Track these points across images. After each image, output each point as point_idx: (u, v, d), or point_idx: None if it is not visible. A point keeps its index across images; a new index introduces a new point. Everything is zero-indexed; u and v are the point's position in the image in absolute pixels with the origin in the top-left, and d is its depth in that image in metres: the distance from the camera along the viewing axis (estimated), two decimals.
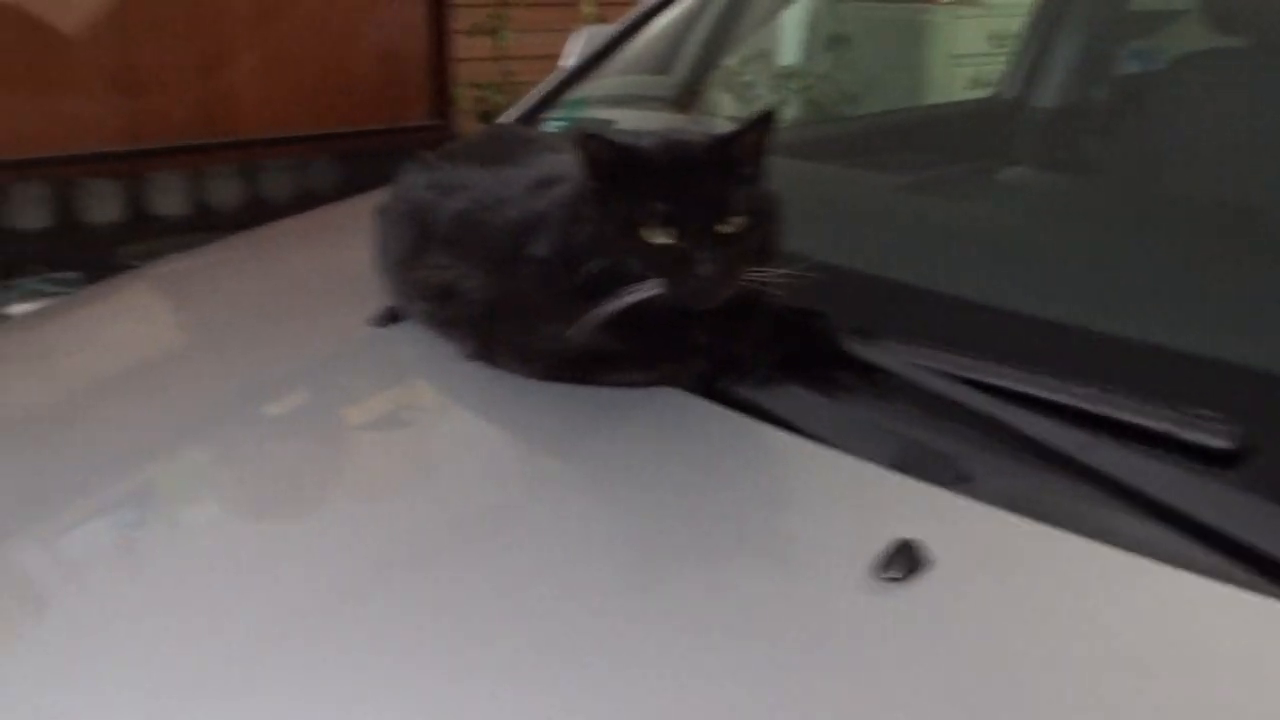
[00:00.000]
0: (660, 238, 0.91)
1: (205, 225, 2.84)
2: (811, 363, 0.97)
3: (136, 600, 0.81)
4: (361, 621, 0.75)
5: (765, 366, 0.97)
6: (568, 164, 1.08)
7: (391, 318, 1.17)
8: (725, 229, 0.91)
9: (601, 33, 1.97)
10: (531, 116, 1.74)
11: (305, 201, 2.80)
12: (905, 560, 0.73)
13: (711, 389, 0.97)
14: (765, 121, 0.94)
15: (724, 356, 0.97)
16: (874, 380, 0.94)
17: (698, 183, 0.92)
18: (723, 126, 0.97)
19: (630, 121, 1.67)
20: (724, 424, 0.93)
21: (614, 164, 0.94)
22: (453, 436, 1.05)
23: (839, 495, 0.85)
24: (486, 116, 3.31)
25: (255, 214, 2.77)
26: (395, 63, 2.81)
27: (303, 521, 0.92)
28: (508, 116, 1.81)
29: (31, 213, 2.77)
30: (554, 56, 2.06)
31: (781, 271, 0.92)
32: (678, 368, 0.97)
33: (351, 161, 2.95)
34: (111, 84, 2.50)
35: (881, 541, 0.75)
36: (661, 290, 0.91)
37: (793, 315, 0.98)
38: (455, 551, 0.83)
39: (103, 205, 2.83)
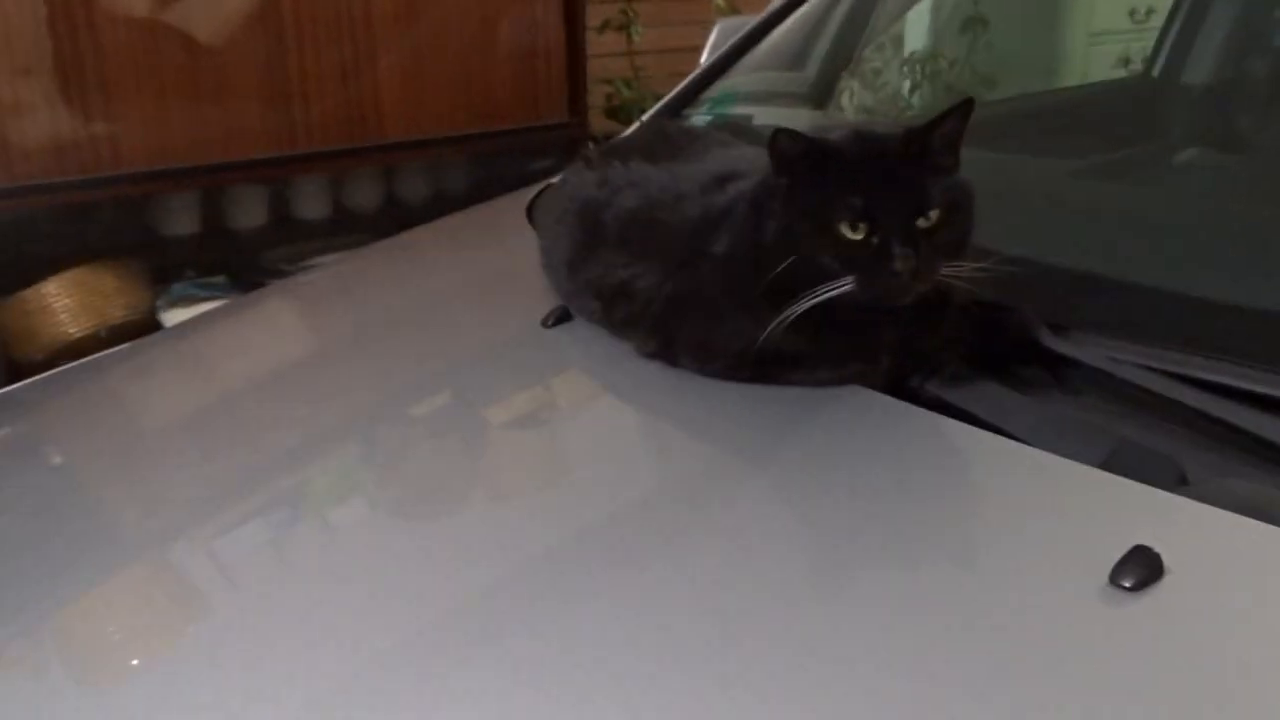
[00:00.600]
0: (855, 233, 0.90)
1: (346, 229, 2.90)
2: (1006, 359, 0.94)
3: (298, 599, 0.82)
4: (551, 620, 0.74)
5: (957, 363, 0.94)
6: (744, 158, 1.07)
7: (562, 317, 1.17)
8: (922, 223, 0.89)
9: (736, 26, 1.95)
10: (674, 112, 1.73)
11: (441, 203, 2.85)
12: (1139, 567, 0.70)
13: (902, 387, 0.95)
14: (963, 110, 0.92)
15: (915, 354, 0.95)
16: (1071, 376, 0.91)
17: (894, 176, 0.91)
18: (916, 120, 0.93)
19: (772, 118, 1.65)
20: (917, 423, 0.91)
21: (805, 158, 0.93)
22: (636, 434, 1.05)
23: (1040, 496, 0.82)
24: (615, 112, 3.31)
25: (394, 216, 2.83)
26: (530, 61, 2.83)
27: (486, 521, 0.93)
28: (650, 113, 1.80)
29: (181, 219, 2.86)
30: (681, 50, 2.05)
31: (977, 265, 0.90)
32: (867, 367, 0.96)
33: (486, 161, 2.98)
34: (259, 93, 2.57)
35: (1089, 543, 0.72)
36: (854, 287, 0.89)
37: (985, 310, 0.96)
38: (641, 552, 0.82)
39: (248, 211, 2.91)
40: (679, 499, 0.90)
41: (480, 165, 3.01)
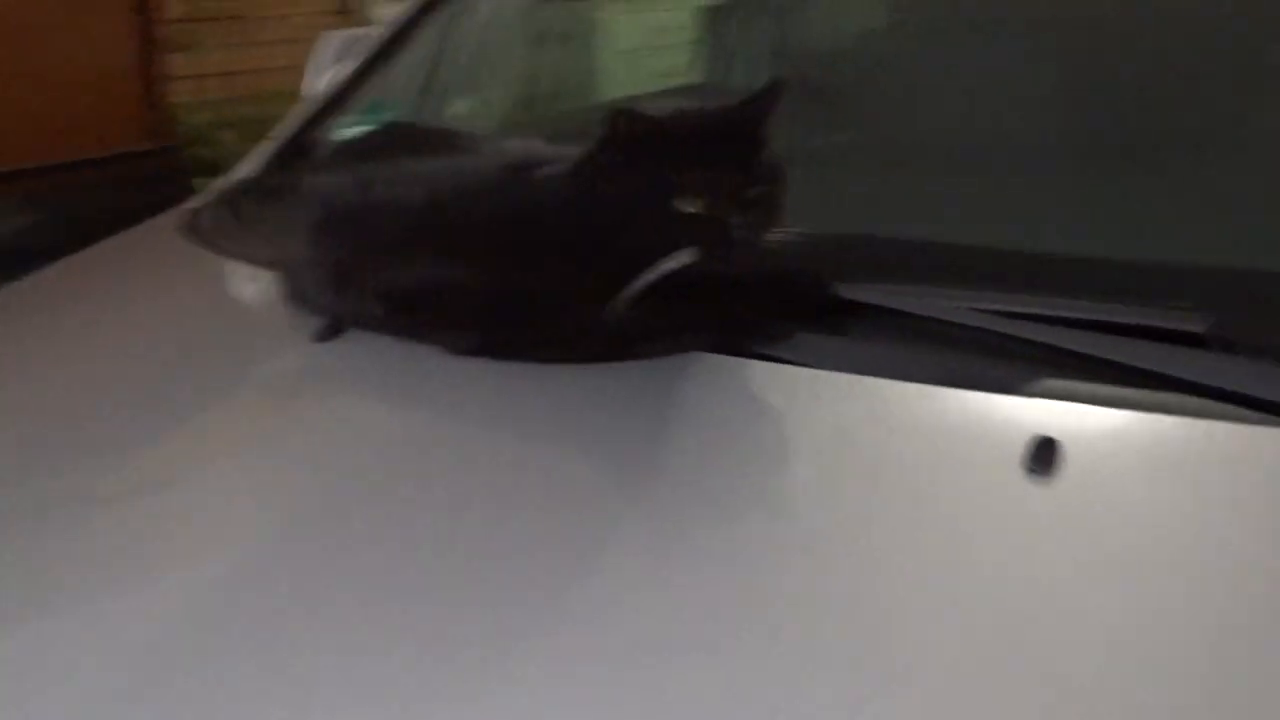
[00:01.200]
0: (692, 206, 0.95)
1: None
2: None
3: None
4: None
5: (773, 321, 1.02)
6: (535, 149, 1.08)
7: (334, 330, 1.11)
8: (752, 193, 0.96)
9: (344, 38, 1.92)
10: (306, 132, 1.68)
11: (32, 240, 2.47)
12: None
13: (730, 347, 1.01)
14: (778, 88, 0.99)
15: (739, 315, 1.02)
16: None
17: (724, 150, 0.97)
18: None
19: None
20: (765, 374, 0.98)
21: (642, 137, 0.97)
22: (480, 432, 1.01)
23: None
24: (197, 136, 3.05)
25: None
26: (104, 85, 2.54)
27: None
28: (277, 134, 1.72)
29: None
30: (265, 70, 1.97)
31: (793, 230, 0.99)
32: (711, 332, 1.01)
33: (68, 194, 2.63)
34: None
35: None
36: (696, 258, 0.95)
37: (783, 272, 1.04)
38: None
39: None
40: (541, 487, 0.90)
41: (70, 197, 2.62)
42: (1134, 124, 1.39)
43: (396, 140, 1.20)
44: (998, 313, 0.98)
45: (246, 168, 1.65)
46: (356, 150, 1.19)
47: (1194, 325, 0.93)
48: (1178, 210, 1.18)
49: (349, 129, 1.61)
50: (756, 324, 1.01)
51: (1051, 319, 0.96)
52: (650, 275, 0.96)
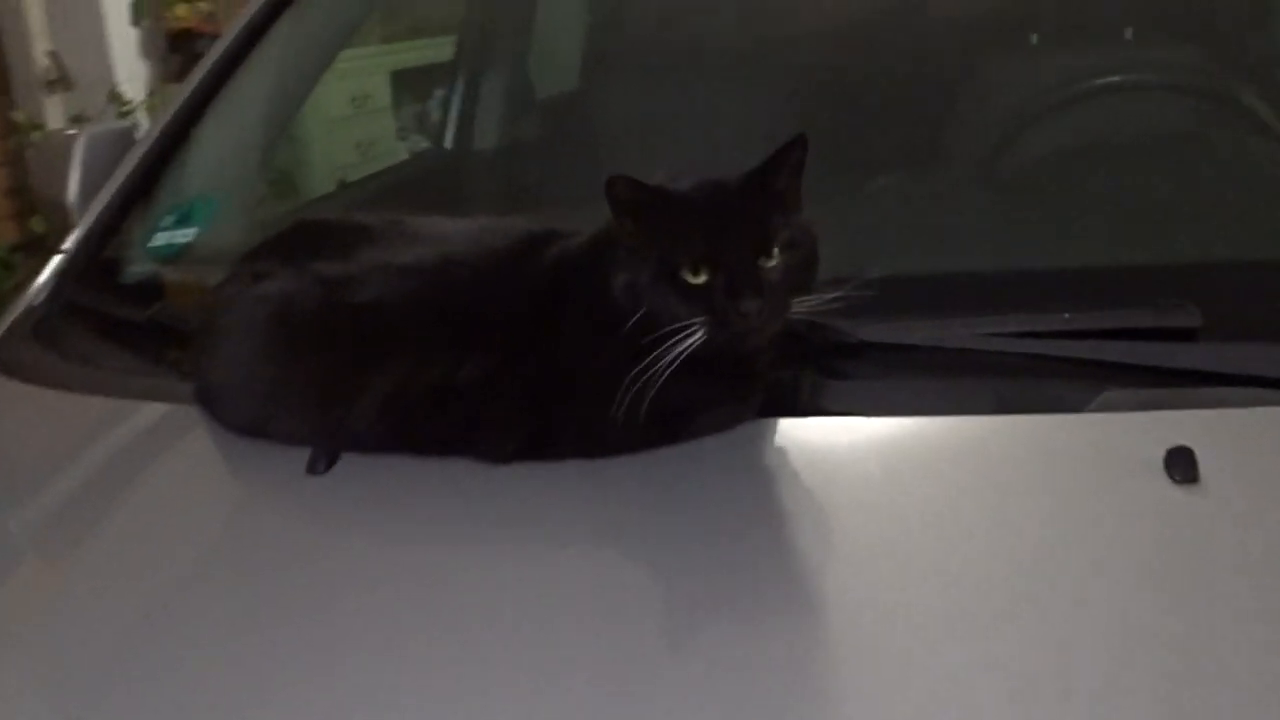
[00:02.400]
0: (697, 277, 0.89)
1: None
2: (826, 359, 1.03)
3: None
4: None
5: (811, 375, 1.02)
6: (515, 230, 1.01)
7: (330, 459, 0.98)
8: (765, 263, 0.89)
9: (112, 133, 1.72)
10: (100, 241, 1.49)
11: None
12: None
13: (777, 407, 0.99)
14: (798, 147, 0.92)
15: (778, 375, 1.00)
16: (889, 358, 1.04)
17: (734, 217, 0.90)
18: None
19: None
20: (830, 430, 0.97)
21: (643, 205, 0.91)
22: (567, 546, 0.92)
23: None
24: None
25: None
26: None
27: None
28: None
29: None
30: None
31: (829, 297, 0.93)
32: (750, 403, 0.98)
33: None
34: None
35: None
36: (705, 333, 0.88)
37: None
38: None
39: None
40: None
41: None
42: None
43: (323, 237, 1.07)
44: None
45: (42, 290, 1.43)
46: (284, 253, 1.05)
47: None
48: None
49: (175, 233, 1.44)
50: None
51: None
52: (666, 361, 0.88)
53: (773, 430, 0.97)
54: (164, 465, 1.07)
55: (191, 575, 0.89)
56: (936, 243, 1.23)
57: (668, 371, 0.88)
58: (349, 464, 0.98)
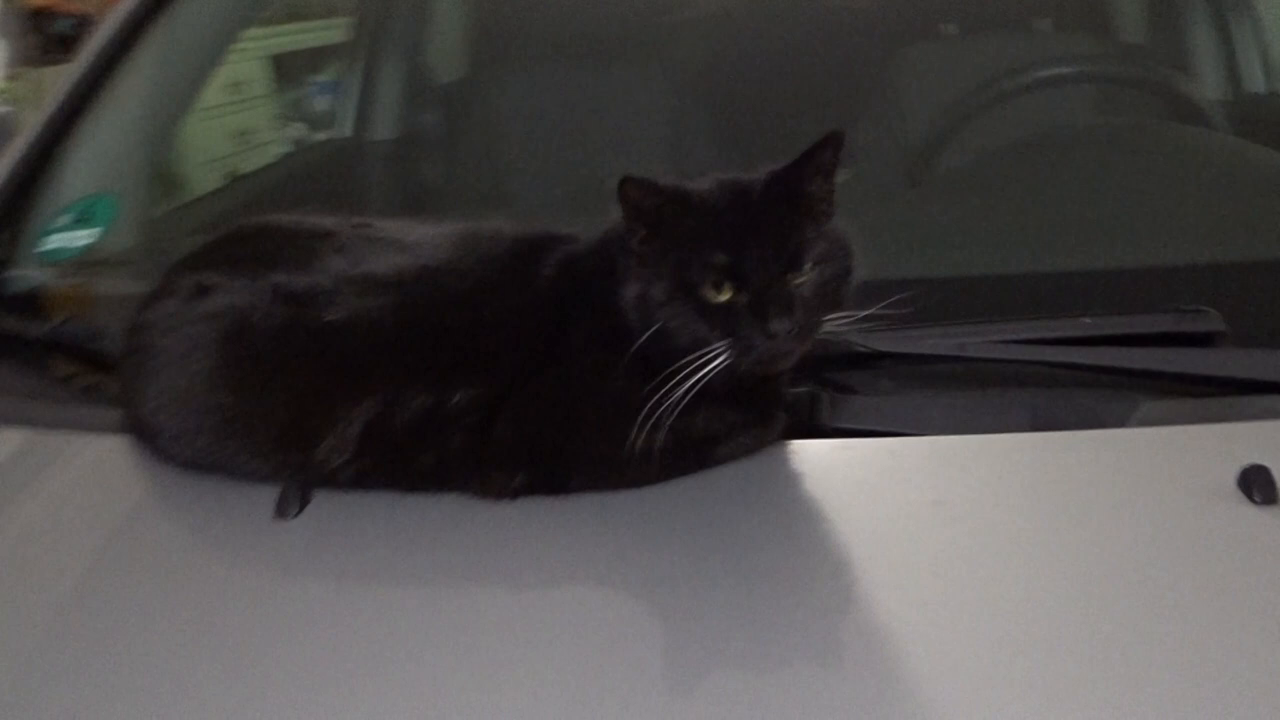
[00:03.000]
0: (721, 295, 0.80)
1: None
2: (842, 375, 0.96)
3: None
4: None
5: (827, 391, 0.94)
6: (506, 235, 0.91)
7: (302, 500, 0.86)
8: (798, 277, 0.81)
9: None
10: None
11: None
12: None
13: (799, 429, 0.91)
14: (832, 145, 0.82)
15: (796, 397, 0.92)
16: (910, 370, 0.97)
17: (760, 227, 0.80)
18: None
19: None
20: (862, 450, 0.89)
21: (659, 211, 0.81)
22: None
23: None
24: None
25: None
26: None
27: None
28: None
29: None
30: None
31: (864, 313, 0.85)
32: (774, 426, 0.89)
33: None
34: None
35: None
36: (728, 356, 0.79)
37: None
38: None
39: None
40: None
41: None
42: None
43: (273, 243, 0.94)
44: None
45: None
46: (229, 262, 0.92)
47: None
48: None
49: (71, 235, 1.28)
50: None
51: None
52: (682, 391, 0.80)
53: (796, 453, 0.89)
54: (94, 509, 0.92)
55: (146, 646, 0.75)
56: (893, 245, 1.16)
57: (688, 398, 0.79)
58: (324, 504, 0.86)
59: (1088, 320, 0.98)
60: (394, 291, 0.87)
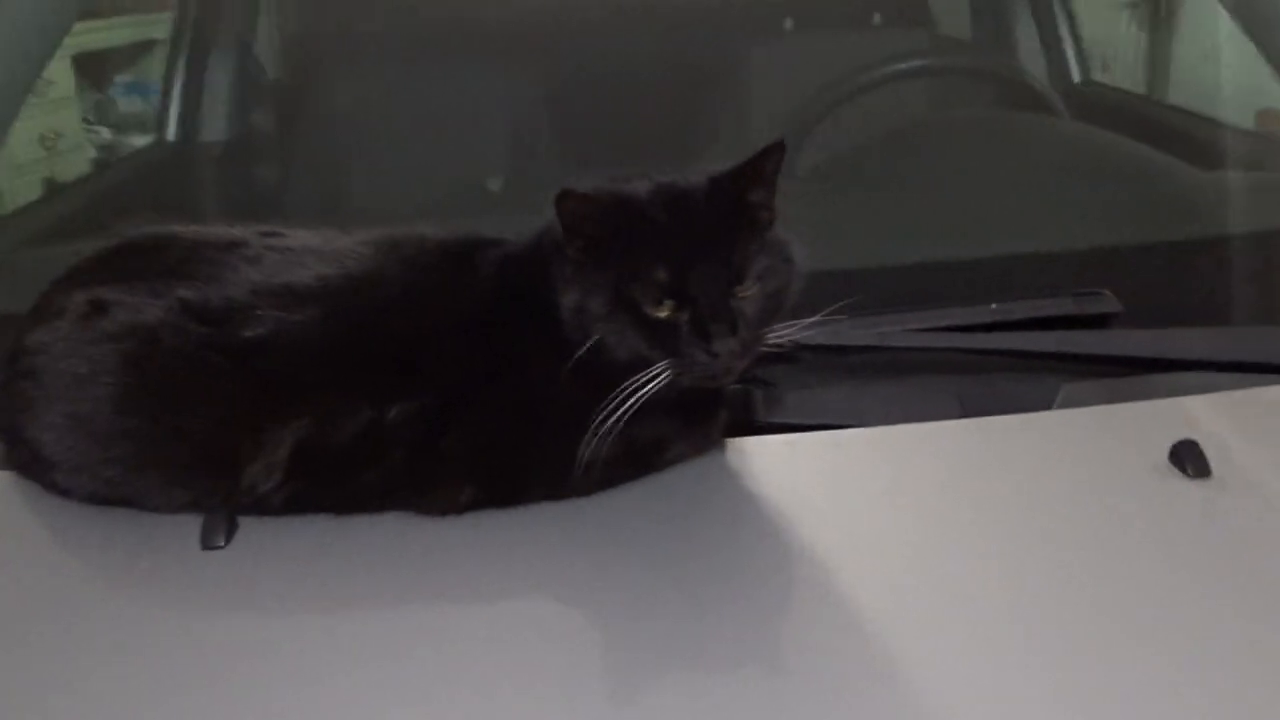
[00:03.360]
0: (660, 311, 0.78)
1: None
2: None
3: None
4: None
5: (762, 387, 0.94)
6: (431, 242, 0.88)
7: (230, 528, 0.81)
8: (742, 292, 0.78)
9: None
10: None
11: None
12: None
13: (739, 426, 0.91)
14: (774, 154, 0.80)
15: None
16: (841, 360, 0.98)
17: (701, 239, 0.78)
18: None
19: None
20: (801, 445, 0.90)
21: (598, 221, 0.79)
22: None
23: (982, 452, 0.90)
24: None
25: None
26: None
27: None
28: None
29: None
30: None
31: (806, 323, 0.83)
32: (718, 425, 0.89)
33: None
34: None
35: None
36: (669, 372, 0.78)
37: None
38: None
39: None
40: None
41: None
42: None
43: (173, 256, 0.86)
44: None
45: None
46: (124, 277, 0.84)
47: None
48: None
49: None
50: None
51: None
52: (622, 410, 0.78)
53: (741, 450, 0.88)
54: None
55: (76, 691, 0.68)
56: None
57: (634, 409, 0.77)
58: (252, 532, 0.80)
59: (994, 307, 1.01)
60: (319, 303, 0.82)
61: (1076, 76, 2.20)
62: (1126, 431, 0.88)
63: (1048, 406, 0.91)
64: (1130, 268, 1.11)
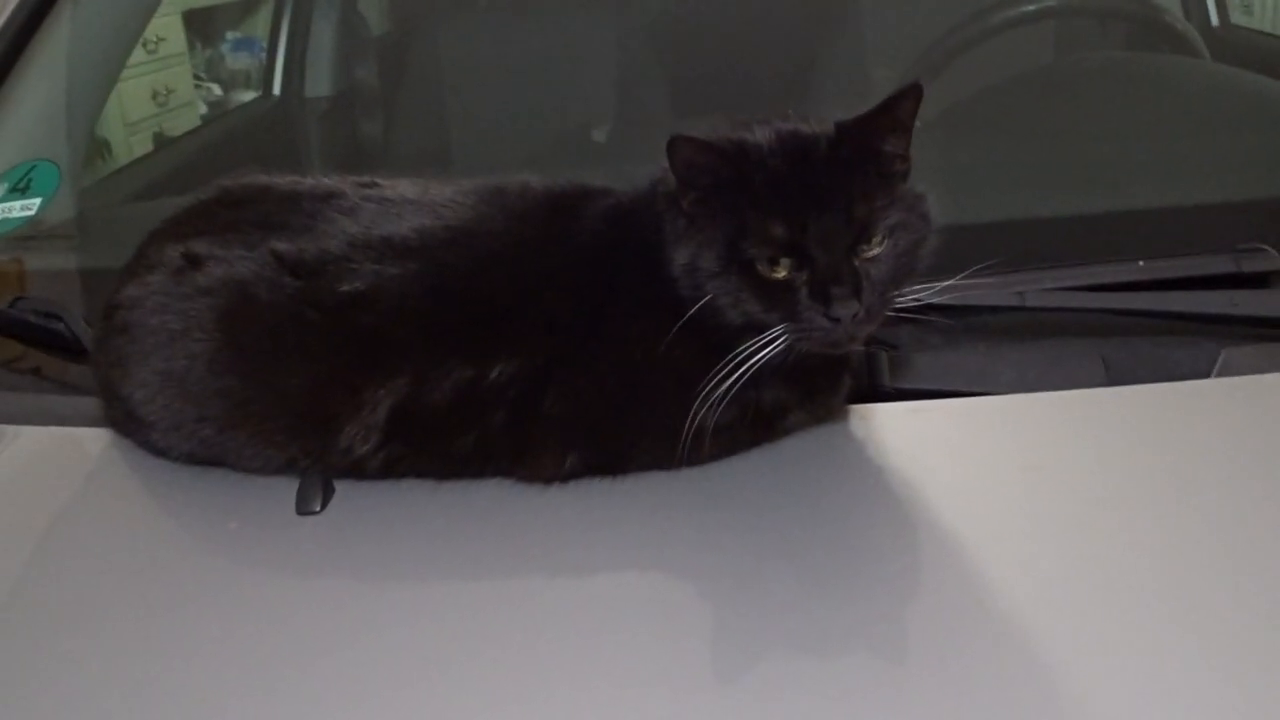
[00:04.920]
0: (777, 271, 0.71)
1: None
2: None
3: None
4: None
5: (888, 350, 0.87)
6: (533, 191, 0.82)
7: (326, 492, 0.77)
8: (869, 251, 0.72)
9: None
10: None
11: None
12: None
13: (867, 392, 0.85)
14: (912, 96, 0.72)
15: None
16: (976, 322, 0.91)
17: (824, 192, 0.71)
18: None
19: None
20: (937, 412, 0.83)
21: (713, 170, 0.72)
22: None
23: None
24: None
25: None
26: None
27: None
28: None
29: None
30: None
31: (939, 285, 0.77)
32: (841, 392, 0.82)
33: None
34: None
35: None
36: (785, 338, 0.72)
37: None
38: None
39: None
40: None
41: None
42: None
43: (267, 206, 0.83)
44: None
45: None
46: (217, 229, 0.81)
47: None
48: None
49: (10, 205, 1.15)
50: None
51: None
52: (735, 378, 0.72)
53: (865, 418, 0.82)
54: (88, 510, 0.82)
55: (167, 657, 0.66)
56: None
57: (748, 374, 0.72)
58: (349, 497, 0.77)
59: (1141, 264, 0.92)
60: (418, 256, 0.77)
61: (1215, 19, 2.06)
62: None
63: (1206, 374, 0.83)
64: None
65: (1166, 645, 0.61)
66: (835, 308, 0.70)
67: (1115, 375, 0.84)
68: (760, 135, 0.74)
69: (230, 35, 3.01)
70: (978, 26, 1.50)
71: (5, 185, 1.17)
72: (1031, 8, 1.50)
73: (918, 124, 0.74)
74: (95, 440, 0.86)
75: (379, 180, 0.85)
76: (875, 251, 0.72)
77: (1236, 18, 2.22)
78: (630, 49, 1.86)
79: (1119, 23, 1.82)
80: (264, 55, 2.23)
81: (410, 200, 0.82)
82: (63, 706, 0.63)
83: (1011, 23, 1.48)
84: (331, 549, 0.74)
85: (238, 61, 3.11)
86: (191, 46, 2.82)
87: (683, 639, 0.64)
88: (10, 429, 0.91)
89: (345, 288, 0.76)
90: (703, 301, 0.73)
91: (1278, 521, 0.70)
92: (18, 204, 1.17)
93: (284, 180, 0.87)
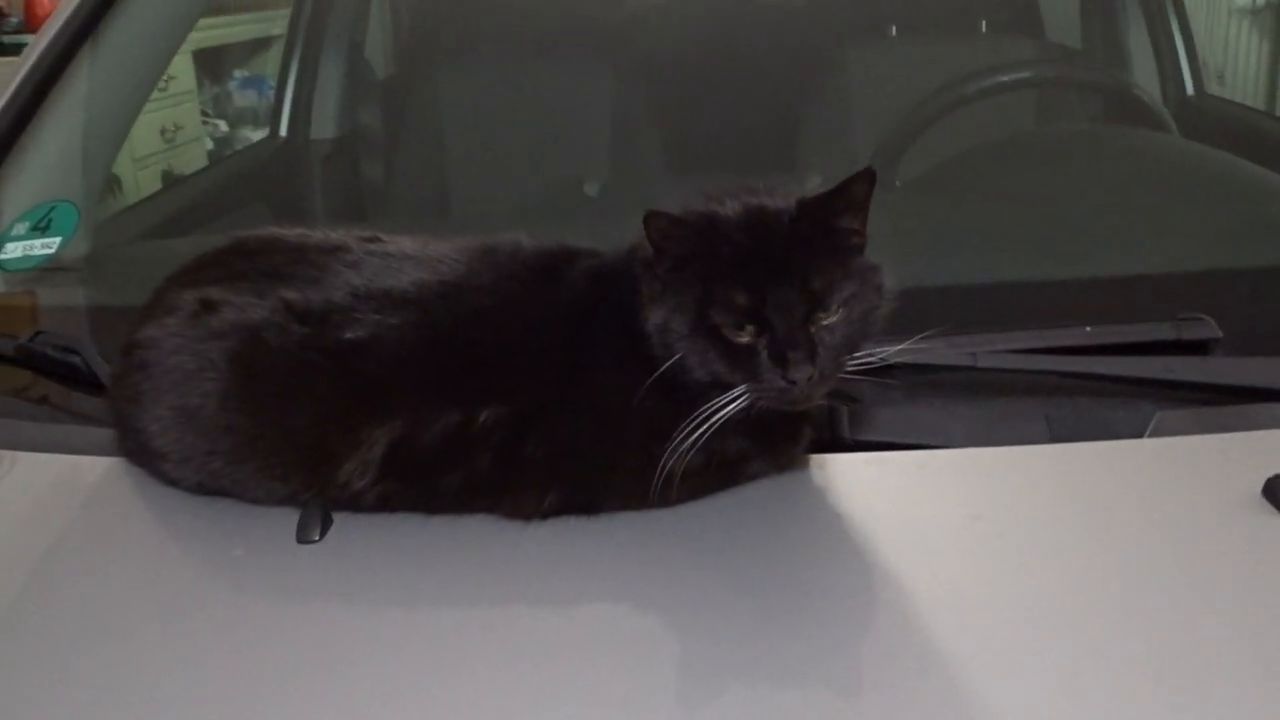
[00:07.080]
0: (741, 336, 0.78)
1: None
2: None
3: None
4: None
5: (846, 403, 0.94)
6: (526, 251, 0.89)
7: (325, 523, 0.84)
8: (824, 319, 0.78)
9: None
10: None
11: None
12: None
13: (825, 443, 0.91)
14: (865, 179, 0.79)
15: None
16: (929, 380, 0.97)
17: (785, 264, 0.78)
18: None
19: None
20: (882, 465, 0.90)
21: (684, 242, 0.79)
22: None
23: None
24: None
25: None
26: None
27: None
28: None
29: None
30: None
31: (893, 350, 0.83)
32: (801, 442, 0.89)
33: None
34: None
35: None
36: (746, 397, 0.78)
37: None
38: None
39: None
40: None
41: None
42: None
43: (278, 258, 0.90)
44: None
45: None
46: (231, 277, 0.88)
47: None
48: None
49: (31, 243, 1.22)
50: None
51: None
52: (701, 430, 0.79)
53: (823, 467, 0.89)
54: (99, 535, 0.88)
55: (169, 676, 0.72)
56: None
57: (714, 428, 0.78)
58: (346, 528, 0.83)
59: (1089, 329, 0.99)
60: (415, 308, 0.84)
61: (1190, 88, 2.15)
62: (1220, 463, 0.86)
63: (1140, 434, 0.89)
64: (1233, 292, 1.09)
65: (1098, 685, 0.67)
66: (792, 371, 0.77)
67: (1057, 433, 0.91)
68: (729, 209, 0.81)
69: (238, 73, 3.09)
70: (952, 95, 1.58)
71: (27, 224, 1.24)
72: (1005, 78, 1.59)
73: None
74: (109, 469, 0.92)
75: (381, 235, 0.92)
76: (830, 320, 0.78)
77: (1211, 87, 2.31)
78: (627, 104, 1.93)
79: (1096, 95, 1.91)
80: (270, 93, 2.30)
81: (410, 255, 0.89)
82: None
83: (984, 92, 1.56)
84: (329, 575, 0.80)
85: (245, 99, 3.20)
86: (200, 84, 2.89)
87: (651, 666, 0.70)
88: (24, 455, 0.97)
89: (348, 335, 0.83)
90: (673, 360, 0.79)
91: (1199, 573, 0.77)
92: (38, 243, 1.24)
93: (293, 233, 0.94)
